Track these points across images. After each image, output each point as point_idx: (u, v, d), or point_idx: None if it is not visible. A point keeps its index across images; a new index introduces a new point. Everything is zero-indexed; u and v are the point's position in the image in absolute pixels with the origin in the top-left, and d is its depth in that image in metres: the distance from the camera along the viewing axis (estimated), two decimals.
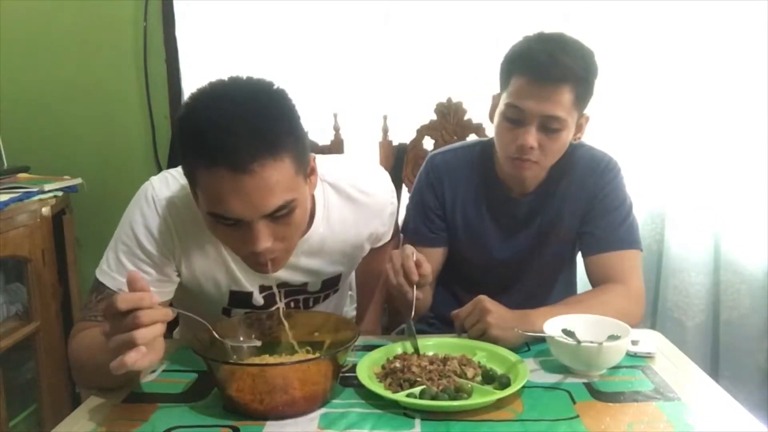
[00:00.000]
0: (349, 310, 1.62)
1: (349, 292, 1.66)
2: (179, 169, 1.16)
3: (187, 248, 1.16)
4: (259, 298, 1.25)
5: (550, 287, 1.52)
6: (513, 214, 1.44)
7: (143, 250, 1.13)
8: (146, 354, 0.86)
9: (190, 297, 1.23)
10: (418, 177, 1.51)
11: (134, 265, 1.13)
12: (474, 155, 1.47)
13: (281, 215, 1.00)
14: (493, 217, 1.45)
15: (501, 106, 1.32)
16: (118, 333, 0.86)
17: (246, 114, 0.95)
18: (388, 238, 1.39)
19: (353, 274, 1.52)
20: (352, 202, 1.25)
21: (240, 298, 1.24)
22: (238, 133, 0.93)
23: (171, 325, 1.53)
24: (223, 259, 1.19)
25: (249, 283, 1.23)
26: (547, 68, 1.24)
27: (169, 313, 0.91)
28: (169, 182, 1.16)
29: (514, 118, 1.29)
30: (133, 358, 0.84)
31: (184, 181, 1.10)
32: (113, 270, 1.13)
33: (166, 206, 1.13)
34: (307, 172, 1.06)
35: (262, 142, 0.94)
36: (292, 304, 1.30)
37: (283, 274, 1.22)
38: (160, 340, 0.90)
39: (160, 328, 0.88)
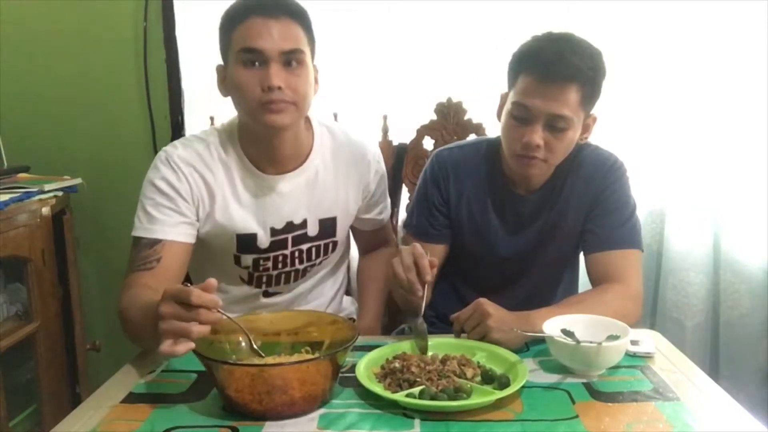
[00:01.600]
0: (352, 310, 1.62)
1: (349, 297, 1.67)
2: (185, 137, 1.38)
3: (201, 193, 1.32)
4: (265, 240, 1.36)
5: (553, 285, 1.53)
6: (518, 211, 1.45)
7: (166, 197, 1.28)
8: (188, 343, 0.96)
9: (206, 253, 1.38)
10: (423, 172, 1.52)
11: (160, 213, 1.27)
12: (481, 152, 1.48)
13: (293, 63, 1.23)
14: (499, 214, 1.45)
15: (508, 105, 1.33)
16: (177, 319, 0.95)
17: None
18: (380, 207, 1.53)
19: (349, 269, 1.56)
20: (341, 145, 1.43)
21: (246, 242, 1.36)
22: None
23: None
24: (231, 199, 1.33)
25: (257, 221, 1.35)
26: (555, 67, 1.24)
27: (220, 319, 1.00)
28: (178, 146, 1.33)
29: (520, 117, 1.29)
30: (183, 350, 0.95)
31: (192, 144, 1.33)
32: (144, 222, 1.27)
33: (179, 161, 1.30)
34: (313, 62, 1.31)
35: (286, 4, 1.25)
36: (297, 254, 1.40)
37: (284, 206, 1.36)
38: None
39: (209, 330, 0.97)
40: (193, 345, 0.96)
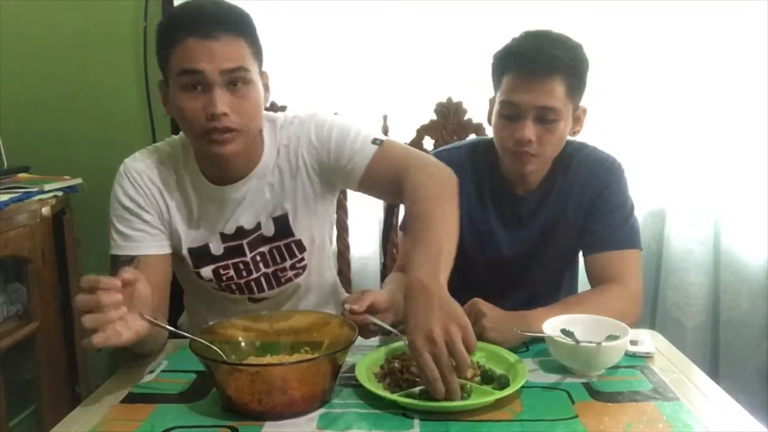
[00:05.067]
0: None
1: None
2: (147, 147, 1.34)
3: (158, 203, 1.30)
4: (219, 248, 1.32)
5: (554, 287, 1.53)
6: (518, 212, 1.45)
7: (131, 212, 1.27)
8: (117, 333, 0.96)
9: (175, 264, 1.35)
10: None
11: (131, 229, 1.27)
12: (478, 153, 1.48)
13: (237, 83, 1.16)
14: (499, 214, 1.46)
15: (496, 105, 1.35)
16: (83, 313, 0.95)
17: (213, 3, 1.17)
18: (348, 144, 1.28)
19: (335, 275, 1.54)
20: (284, 131, 1.33)
21: (199, 254, 1.32)
22: (205, 12, 1.15)
23: (175, 315, 1.54)
24: (183, 211, 1.30)
25: (208, 231, 1.31)
26: (536, 61, 1.27)
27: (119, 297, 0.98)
28: (137, 157, 1.32)
29: (510, 114, 1.31)
30: (99, 339, 0.94)
31: (151, 155, 1.31)
32: (118, 241, 1.27)
33: (135, 174, 1.29)
34: (261, 69, 1.23)
35: (224, 20, 1.15)
36: (258, 258, 1.34)
37: (235, 213, 1.30)
38: (133, 319, 0.99)
39: (114, 314, 0.96)
40: (109, 333, 0.95)
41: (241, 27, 1.17)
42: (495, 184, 1.45)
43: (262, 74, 1.24)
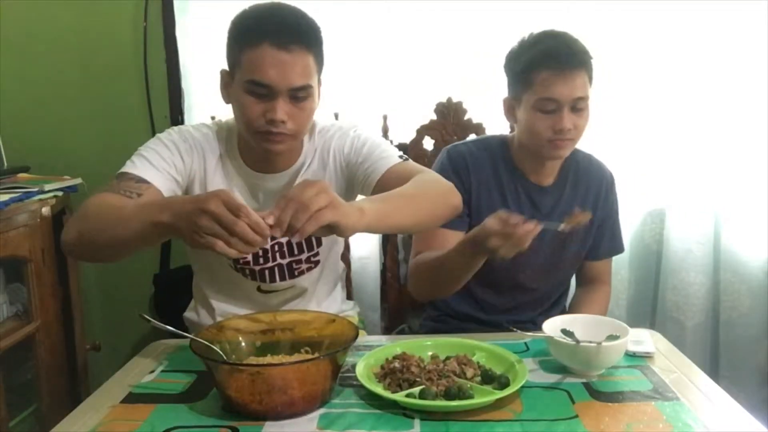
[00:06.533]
0: (351, 312, 1.62)
1: (351, 301, 1.65)
2: (196, 123, 1.40)
3: (200, 171, 1.33)
4: None
5: (563, 283, 1.63)
6: (536, 205, 1.51)
7: (168, 150, 1.29)
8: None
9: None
10: (439, 165, 1.53)
11: (156, 161, 1.26)
12: (493, 148, 1.53)
13: (300, 98, 1.22)
14: (517, 207, 1.50)
15: (531, 102, 1.41)
16: (219, 222, 0.94)
17: (291, 12, 1.24)
18: (373, 156, 1.33)
19: (343, 274, 1.54)
20: (326, 137, 1.39)
21: None
22: (285, 21, 1.21)
23: (180, 311, 1.53)
24: (220, 180, 1.33)
25: None
26: (569, 57, 1.38)
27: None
28: (189, 126, 1.37)
29: (548, 109, 1.39)
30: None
31: (201, 128, 1.36)
32: (136, 163, 1.26)
33: (189, 137, 1.33)
34: (319, 80, 1.29)
35: (300, 32, 1.22)
36: (276, 248, 1.38)
37: (266, 202, 1.34)
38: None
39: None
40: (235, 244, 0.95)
41: (312, 40, 1.24)
42: (512, 178, 1.51)
43: (319, 82, 1.30)
